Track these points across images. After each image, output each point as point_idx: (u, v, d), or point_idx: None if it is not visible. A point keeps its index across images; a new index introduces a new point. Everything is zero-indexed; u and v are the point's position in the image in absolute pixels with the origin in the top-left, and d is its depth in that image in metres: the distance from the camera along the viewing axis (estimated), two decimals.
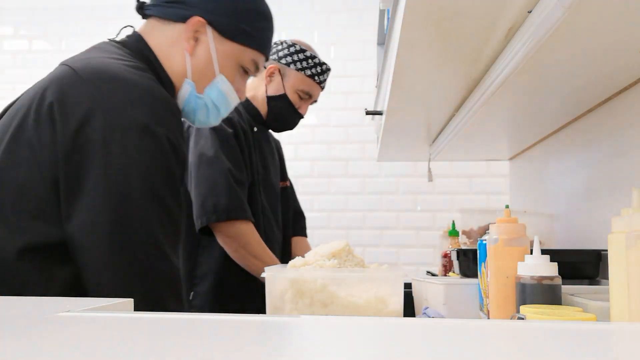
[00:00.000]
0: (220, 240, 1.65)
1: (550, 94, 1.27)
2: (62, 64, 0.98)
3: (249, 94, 1.87)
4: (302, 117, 1.89)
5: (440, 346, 0.38)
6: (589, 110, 1.39)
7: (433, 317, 1.09)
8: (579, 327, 0.46)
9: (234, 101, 1.17)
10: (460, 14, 0.88)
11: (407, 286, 1.29)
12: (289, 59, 1.81)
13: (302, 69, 1.81)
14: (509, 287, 0.87)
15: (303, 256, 1.11)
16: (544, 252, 0.83)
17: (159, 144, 0.91)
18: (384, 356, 0.34)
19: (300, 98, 1.84)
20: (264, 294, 1.06)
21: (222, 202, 1.61)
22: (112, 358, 0.33)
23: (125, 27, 1.13)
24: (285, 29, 3.44)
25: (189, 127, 1.75)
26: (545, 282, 0.81)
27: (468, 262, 1.21)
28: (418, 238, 3.20)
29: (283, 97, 1.82)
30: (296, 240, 2.06)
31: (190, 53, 1.09)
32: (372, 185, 3.25)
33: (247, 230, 1.64)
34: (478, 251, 1.01)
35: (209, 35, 1.10)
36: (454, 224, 2.00)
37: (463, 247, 1.69)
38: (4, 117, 0.99)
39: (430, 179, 1.95)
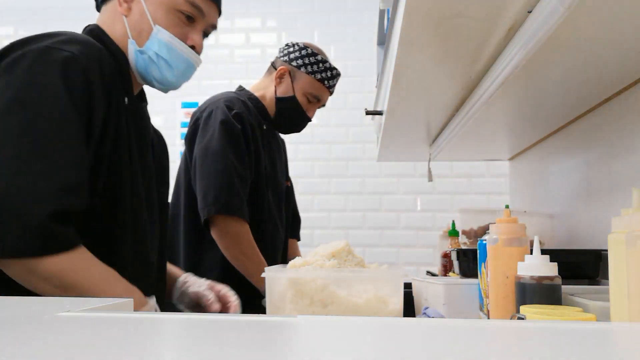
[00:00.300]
0: (215, 235, 1.65)
1: (550, 94, 1.27)
2: None
3: (258, 93, 1.87)
4: (309, 120, 1.90)
5: (440, 346, 0.38)
6: (589, 111, 1.39)
7: (433, 317, 1.09)
8: (579, 327, 0.46)
9: (184, 51, 1.16)
10: (460, 14, 0.88)
11: (407, 286, 1.29)
12: (299, 61, 1.82)
13: (313, 73, 1.81)
14: (508, 287, 0.87)
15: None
16: (544, 252, 0.83)
17: (44, 59, 0.96)
18: (384, 356, 0.34)
19: (309, 101, 1.85)
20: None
21: (222, 197, 1.61)
22: (112, 358, 0.33)
23: None
24: (285, 29, 3.44)
25: (197, 119, 1.75)
26: (545, 282, 0.81)
27: (468, 262, 1.21)
28: (418, 238, 3.20)
29: (292, 99, 1.82)
30: (289, 243, 2.07)
31: (126, 15, 1.14)
32: (372, 185, 3.25)
33: (242, 230, 1.64)
34: (478, 251, 1.01)
35: None
36: (454, 224, 2.00)
37: (463, 247, 1.69)
38: None
39: (430, 179, 1.95)
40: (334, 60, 3.26)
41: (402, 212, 3.22)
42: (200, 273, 1.72)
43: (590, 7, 0.80)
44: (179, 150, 3.06)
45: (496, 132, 1.72)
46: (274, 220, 1.83)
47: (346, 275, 1.03)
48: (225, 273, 1.66)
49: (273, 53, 2.99)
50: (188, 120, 2.81)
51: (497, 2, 0.84)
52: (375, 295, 1.02)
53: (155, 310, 0.97)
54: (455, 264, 1.27)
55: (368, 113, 1.76)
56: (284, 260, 1.91)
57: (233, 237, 1.64)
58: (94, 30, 1.14)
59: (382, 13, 1.85)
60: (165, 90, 1.21)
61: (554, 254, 0.85)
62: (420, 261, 3.16)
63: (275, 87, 1.84)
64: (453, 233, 2.00)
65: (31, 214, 0.87)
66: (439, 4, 0.85)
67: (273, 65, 1.89)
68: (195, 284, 1.27)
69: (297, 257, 1.10)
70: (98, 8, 1.20)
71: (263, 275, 1.07)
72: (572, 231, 1.54)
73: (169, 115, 3.42)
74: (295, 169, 3.25)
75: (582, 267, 1.13)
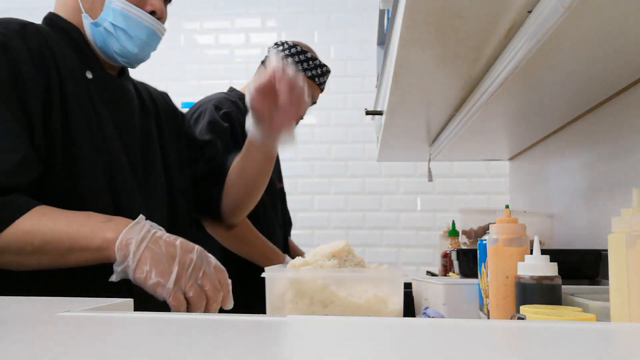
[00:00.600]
0: (213, 234, 1.65)
1: (550, 94, 1.27)
2: None
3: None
4: (301, 117, 1.90)
5: (440, 346, 0.38)
6: (589, 110, 1.39)
7: (433, 317, 1.09)
8: (579, 327, 0.46)
9: (143, 17, 1.09)
10: (460, 14, 0.88)
11: (407, 286, 1.29)
12: (289, 60, 1.82)
13: (303, 70, 1.81)
14: (509, 287, 0.87)
15: (303, 256, 1.11)
16: (544, 252, 0.83)
17: None
18: (383, 356, 0.34)
19: None
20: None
21: None
22: (112, 358, 0.33)
23: None
24: (285, 29, 3.44)
25: (187, 122, 1.75)
26: (545, 282, 0.81)
27: (468, 262, 1.21)
28: (418, 238, 3.20)
29: None
30: (290, 244, 2.07)
31: None
32: (372, 185, 3.25)
33: (242, 224, 1.64)
34: (478, 251, 1.01)
35: None
36: (454, 224, 2.00)
37: (463, 247, 1.69)
38: None
39: (430, 179, 1.95)
40: (333, 60, 3.26)
41: (402, 212, 3.22)
42: None
43: (590, 7, 0.80)
44: None
45: (496, 132, 1.72)
46: (269, 219, 1.83)
47: (346, 275, 1.03)
48: (233, 265, 1.66)
49: None
50: None
51: (497, 2, 0.84)
52: (375, 295, 1.02)
53: (150, 228, 0.89)
54: (455, 264, 1.27)
55: (368, 113, 1.76)
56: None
57: (232, 235, 1.64)
58: (46, 18, 1.12)
59: (382, 13, 1.85)
60: (131, 65, 1.14)
61: (554, 254, 0.85)
62: (420, 261, 3.16)
63: None
64: (453, 233, 2.00)
65: None
66: (439, 4, 0.85)
67: (263, 64, 1.89)
68: None
69: (297, 257, 1.10)
70: None
71: (263, 275, 1.07)
72: (572, 231, 1.54)
73: None
74: (295, 169, 3.25)
75: (582, 267, 1.13)
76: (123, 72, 1.18)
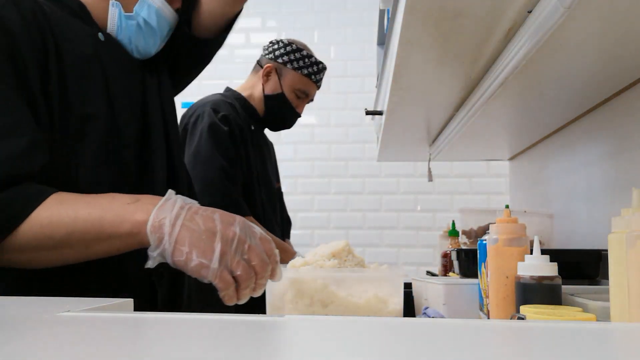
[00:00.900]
0: None
1: (550, 94, 1.27)
2: None
3: (245, 92, 1.88)
4: (299, 116, 1.91)
5: (440, 346, 0.38)
6: (589, 110, 1.39)
7: (433, 317, 1.09)
8: (579, 327, 0.46)
9: (169, 15, 1.03)
10: (460, 14, 0.88)
11: (407, 286, 1.29)
12: (285, 58, 1.83)
13: (299, 68, 1.83)
14: (509, 287, 0.87)
15: (303, 256, 1.11)
16: (544, 252, 0.83)
17: None
18: (383, 356, 0.34)
19: (298, 97, 1.86)
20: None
21: (217, 201, 1.62)
22: (112, 358, 0.33)
23: None
24: (285, 29, 3.44)
25: (186, 124, 1.76)
26: (545, 282, 0.81)
27: (468, 262, 1.21)
28: (418, 238, 3.20)
29: (281, 96, 1.84)
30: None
31: None
32: (372, 185, 3.25)
33: None
34: (478, 251, 1.01)
35: None
36: (454, 224, 2.00)
37: (463, 247, 1.69)
38: None
39: (430, 179, 1.95)
40: (333, 60, 3.26)
41: (402, 212, 3.22)
42: None
43: (590, 7, 0.80)
44: None
45: (496, 132, 1.72)
46: (268, 218, 1.83)
47: (346, 275, 1.03)
48: None
49: None
50: None
51: (497, 2, 0.84)
52: (375, 295, 1.02)
53: (183, 203, 0.78)
54: (455, 264, 1.27)
55: (368, 113, 1.76)
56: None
57: None
58: (67, 4, 0.98)
59: (382, 13, 1.85)
60: (141, 58, 1.06)
61: (554, 254, 0.85)
62: (420, 261, 3.16)
63: (262, 85, 1.85)
64: (453, 233, 2.00)
65: None
66: (439, 4, 0.85)
67: (259, 64, 1.90)
68: None
69: (297, 257, 1.10)
70: None
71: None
72: (572, 231, 1.54)
73: None
74: (295, 169, 3.25)
75: (582, 267, 1.13)
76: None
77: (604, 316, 0.73)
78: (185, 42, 1.15)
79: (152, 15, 1.00)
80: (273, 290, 1.07)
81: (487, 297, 0.95)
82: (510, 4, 0.85)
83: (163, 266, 0.84)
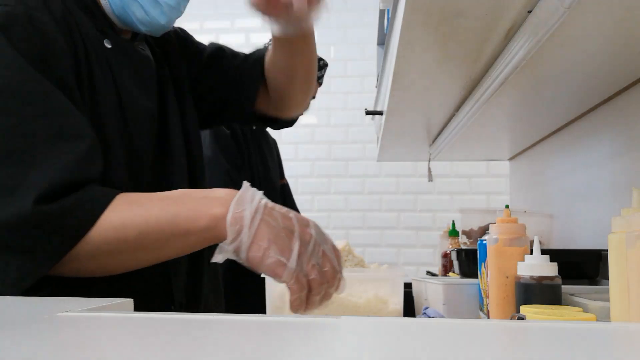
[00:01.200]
0: None
1: (550, 93, 1.27)
2: None
3: None
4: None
5: (440, 346, 0.38)
6: (589, 110, 1.39)
7: (433, 317, 1.09)
8: (579, 327, 0.46)
9: None
10: (460, 14, 0.88)
11: (407, 286, 1.29)
12: None
13: None
14: (509, 287, 0.87)
15: None
16: (544, 252, 0.83)
17: None
18: (383, 356, 0.34)
19: None
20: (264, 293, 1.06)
21: None
22: (112, 358, 0.33)
23: None
24: None
25: None
26: (545, 282, 0.81)
27: (468, 262, 1.21)
28: (418, 238, 3.20)
29: None
30: None
31: None
32: (372, 185, 3.25)
33: None
34: (478, 251, 1.01)
35: None
36: (454, 224, 2.00)
37: (463, 247, 1.69)
38: None
39: (430, 179, 1.95)
40: (333, 60, 3.26)
41: (402, 212, 3.22)
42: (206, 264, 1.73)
43: (590, 7, 0.80)
44: None
45: (496, 132, 1.72)
46: None
47: (346, 275, 1.03)
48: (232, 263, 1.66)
49: None
50: None
51: (497, 2, 0.84)
52: (375, 295, 1.02)
53: (261, 197, 0.73)
54: (455, 264, 1.27)
55: (368, 113, 1.76)
56: None
57: None
58: None
59: (382, 13, 1.85)
60: (155, 34, 0.96)
61: (554, 254, 0.85)
62: (420, 261, 3.16)
63: None
64: (453, 233, 2.00)
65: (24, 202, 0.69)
66: (439, 4, 0.85)
67: None
68: None
69: None
70: None
71: (263, 275, 1.07)
72: (572, 231, 1.54)
73: None
74: (295, 169, 3.25)
75: (582, 267, 1.13)
76: (135, 34, 0.99)
77: (604, 316, 0.73)
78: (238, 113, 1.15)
79: None
80: (273, 291, 1.07)
81: (487, 297, 0.95)
82: (510, 4, 0.85)
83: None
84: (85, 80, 0.82)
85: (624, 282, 0.61)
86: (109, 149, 0.82)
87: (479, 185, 3.17)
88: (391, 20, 1.12)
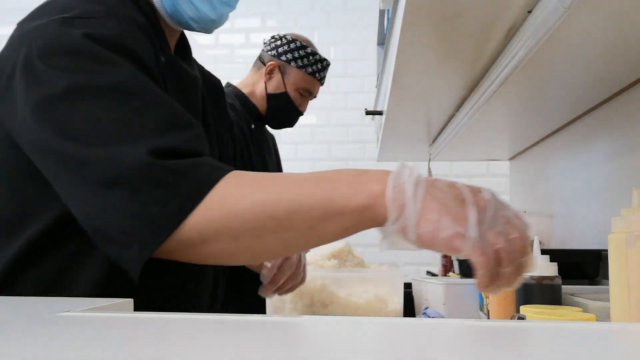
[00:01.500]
0: None
1: (550, 93, 1.27)
2: None
3: (246, 90, 1.85)
4: (302, 114, 1.88)
5: (441, 346, 0.38)
6: (589, 110, 1.39)
7: (433, 317, 1.09)
8: (579, 327, 0.46)
9: None
10: (460, 14, 0.88)
11: (407, 286, 1.29)
12: (289, 55, 1.78)
13: (304, 67, 1.78)
14: None
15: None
16: (544, 252, 0.83)
17: None
18: (383, 356, 0.34)
19: (301, 95, 1.82)
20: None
21: None
22: (112, 358, 0.33)
23: None
24: (285, 29, 3.43)
25: None
26: (545, 282, 0.81)
27: (468, 262, 1.21)
28: None
29: (284, 95, 1.80)
30: None
31: None
32: None
33: None
34: None
35: None
36: None
37: None
38: None
39: None
40: (333, 60, 3.26)
41: None
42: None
43: (590, 7, 0.80)
44: None
45: (496, 132, 1.72)
46: None
47: (346, 275, 1.03)
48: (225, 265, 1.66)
49: None
50: None
51: (497, 2, 0.84)
52: (375, 295, 1.02)
53: (419, 172, 0.64)
54: (455, 264, 1.27)
55: (368, 113, 1.76)
56: None
57: None
58: None
59: (382, 13, 1.85)
60: (207, 31, 0.92)
61: (554, 254, 0.85)
62: (420, 261, 3.16)
63: (265, 83, 1.81)
64: None
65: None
66: (439, 4, 0.85)
67: (261, 60, 1.85)
68: None
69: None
70: None
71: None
72: (572, 231, 1.54)
73: None
74: (295, 169, 3.25)
75: (582, 267, 1.13)
76: (184, 51, 0.97)
77: (604, 316, 0.73)
78: None
79: None
80: None
81: (487, 297, 0.95)
82: (510, 4, 0.85)
83: None
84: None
85: (624, 282, 0.61)
86: None
87: (479, 185, 3.16)
88: (391, 20, 1.12)
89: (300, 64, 1.78)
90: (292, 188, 0.65)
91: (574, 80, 1.16)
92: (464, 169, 3.17)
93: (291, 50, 1.78)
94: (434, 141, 1.90)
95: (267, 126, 1.96)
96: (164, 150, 0.66)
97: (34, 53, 0.72)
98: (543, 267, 0.82)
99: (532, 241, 0.84)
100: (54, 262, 0.74)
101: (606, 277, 0.73)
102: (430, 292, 1.21)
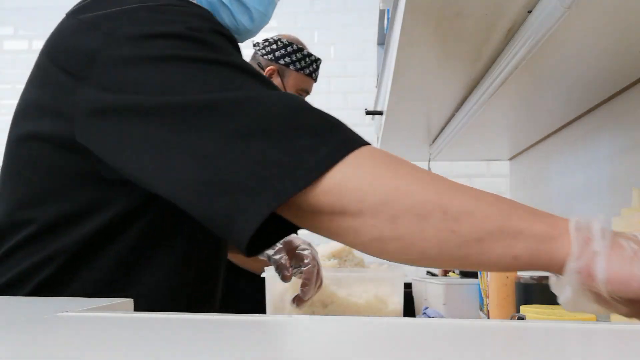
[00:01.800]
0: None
1: (550, 93, 1.27)
2: None
3: None
4: None
5: (440, 346, 0.38)
6: (589, 110, 1.39)
7: (433, 317, 1.09)
8: (579, 327, 0.46)
9: None
10: (461, 14, 0.88)
11: (407, 286, 1.29)
12: (287, 59, 1.80)
13: (302, 68, 1.80)
14: (509, 287, 0.87)
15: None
16: None
17: None
18: (383, 356, 0.34)
19: (299, 95, 1.84)
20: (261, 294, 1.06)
21: None
22: (112, 358, 0.33)
23: None
24: (285, 29, 3.43)
25: None
26: (545, 282, 0.81)
27: None
28: None
29: None
30: None
31: None
32: None
33: None
34: None
35: None
36: None
37: None
38: None
39: None
40: (333, 60, 3.26)
41: None
42: None
43: (590, 7, 0.80)
44: None
45: (496, 132, 1.72)
46: None
47: (346, 275, 1.03)
48: (231, 262, 1.66)
49: None
50: None
51: (497, 2, 0.84)
52: (375, 295, 1.02)
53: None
54: None
55: (368, 113, 1.76)
56: None
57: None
58: None
59: (382, 13, 1.85)
60: (240, 39, 0.90)
61: None
62: None
63: None
64: None
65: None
66: (439, 4, 0.85)
67: (259, 65, 1.87)
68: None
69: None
70: None
71: (263, 275, 1.07)
72: None
73: None
74: None
75: None
76: None
77: (604, 316, 0.73)
78: None
79: None
80: (273, 291, 1.07)
81: (487, 297, 0.95)
82: (510, 4, 0.85)
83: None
84: None
85: None
86: None
87: (479, 185, 3.15)
88: (391, 20, 1.12)
89: (298, 67, 1.80)
90: (467, 188, 0.56)
91: (574, 80, 1.16)
92: (464, 169, 3.17)
93: (288, 54, 1.81)
94: (434, 141, 1.90)
95: None
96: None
97: (136, 34, 0.66)
98: None
99: None
100: (110, 261, 0.71)
101: None
102: (430, 292, 1.21)
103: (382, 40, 1.89)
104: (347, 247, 1.10)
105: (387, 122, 1.61)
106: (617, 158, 1.26)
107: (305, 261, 0.98)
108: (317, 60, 1.84)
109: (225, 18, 0.85)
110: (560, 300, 0.51)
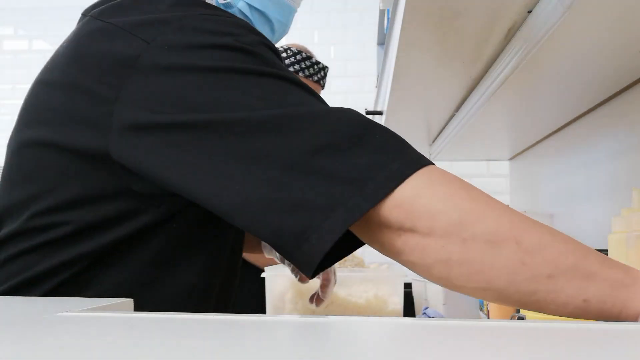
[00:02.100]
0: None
1: (550, 94, 1.27)
2: None
3: None
4: None
5: (440, 346, 0.38)
6: (589, 110, 1.39)
7: (433, 317, 1.09)
8: (579, 327, 0.46)
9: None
10: (460, 14, 0.88)
11: (407, 286, 1.29)
12: (296, 67, 1.83)
13: (310, 76, 1.83)
14: None
15: None
16: None
17: None
18: (383, 356, 0.34)
19: None
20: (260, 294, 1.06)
21: None
22: (112, 358, 0.33)
23: None
24: None
25: None
26: None
27: None
28: None
29: None
30: None
31: None
32: None
33: None
34: None
35: None
36: None
37: None
38: None
39: None
40: (333, 60, 3.26)
41: None
42: None
43: (590, 7, 0.80)
44: None
45: (496, 132, 1.72)
46: None
47: (346, 275, 1.03)
48: (231, 262, 1.67)
49: None
50: None
51: (497, 2, 0.84)
52: (375, 295, 1.02)
53: None
54: None
55: (368, 113, 1.76)
56: None
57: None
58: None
59: (382, 13, 1.86)
60: None
61: None
62: None
63: None
64: None
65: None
66: (439, 4, 0.85)
67: None
68: None
69: None
70: None
71: (263, 275, 1.07)
72: (572, 231, 1.54)
73: None
74: None
75: None
76: None
77: None
78: None
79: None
80: (273, 290, 1.07)
81: None
82: (510, 4, 0.85)
83: None
84: None
85: None
86: None
87: (479, 185, 3.13)
88: (391, 20, 1.12)
89: (307, 74, 1.83)
90: (540, 223, 0.54)
91: (574, 80, 1.16)
92: (464, 169, 3.17)
93: (298, 62, 1.83)
94: (434, 141, 1.90)
95: None
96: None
97: (183, 42, 0.62)
98: None
99: None
100: (134, 266, 0.70)
101: None
102: (430, 292, 1.21)
103: (382, 41, 1.89)
104: None
105: (387, 122, 1.61)
106: (617, 158, 1.26)
107: None
108: (324, 68, 1.87)
109: None
110: None
